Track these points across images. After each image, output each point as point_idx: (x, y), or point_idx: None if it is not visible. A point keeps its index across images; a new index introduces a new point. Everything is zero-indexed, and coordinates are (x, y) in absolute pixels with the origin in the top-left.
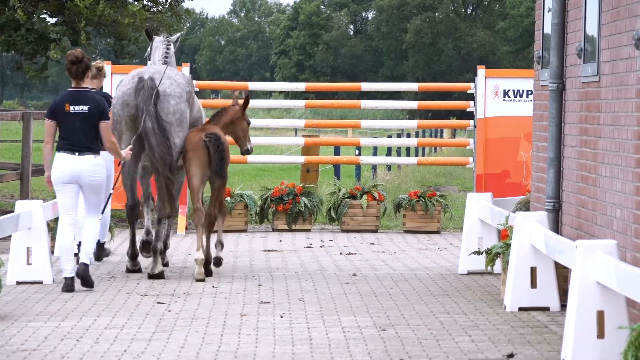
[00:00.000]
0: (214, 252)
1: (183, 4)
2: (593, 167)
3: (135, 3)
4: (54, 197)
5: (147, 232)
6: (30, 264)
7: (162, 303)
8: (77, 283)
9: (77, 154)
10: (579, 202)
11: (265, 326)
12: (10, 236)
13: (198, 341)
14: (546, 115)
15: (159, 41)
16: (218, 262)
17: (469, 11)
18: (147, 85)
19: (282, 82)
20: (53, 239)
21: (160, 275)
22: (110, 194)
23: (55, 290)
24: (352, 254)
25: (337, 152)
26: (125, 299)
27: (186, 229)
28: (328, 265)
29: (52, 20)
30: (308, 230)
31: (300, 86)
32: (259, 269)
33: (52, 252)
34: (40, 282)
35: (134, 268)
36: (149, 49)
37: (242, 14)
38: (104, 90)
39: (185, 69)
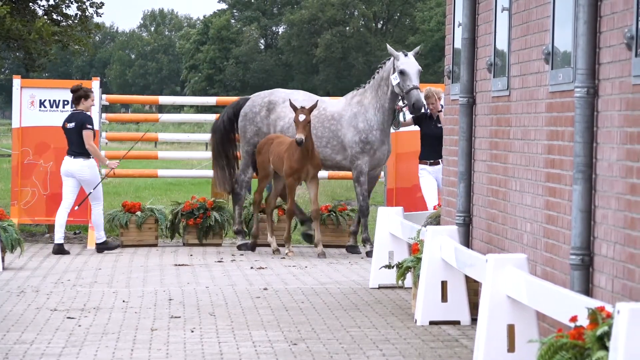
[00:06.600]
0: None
1: (93, 18)
2: (503, 181)
3: (44, 17)
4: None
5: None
6: None
7: (72, 318)
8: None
9: (72, 157)
10: (489, 216)
11: (176, 341)
12: None
13: (108, 356)
14: (456, 129)
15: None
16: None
17: (379, 26)
18: None
19: (193, 97)
20: None
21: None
22: (90, 193)
23: None
24: (263, 268)
25: None
26: (35, 314)
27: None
28: (239, 279)
29: None
30: (219, 245)
31: (211, 100)
32: (169, 284)
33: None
34: None
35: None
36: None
37: (152, 28)
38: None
39: (95, 83)
